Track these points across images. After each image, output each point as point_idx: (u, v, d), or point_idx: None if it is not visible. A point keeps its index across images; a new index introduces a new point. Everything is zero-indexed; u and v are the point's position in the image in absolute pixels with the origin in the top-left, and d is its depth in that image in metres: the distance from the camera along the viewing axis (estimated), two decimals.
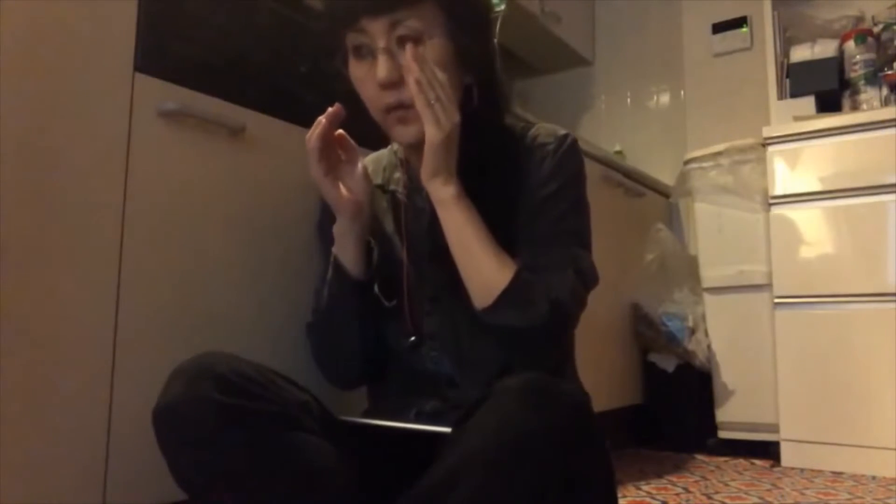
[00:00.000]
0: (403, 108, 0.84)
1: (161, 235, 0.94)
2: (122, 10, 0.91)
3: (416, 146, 0.86)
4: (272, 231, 1.09)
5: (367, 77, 0.85)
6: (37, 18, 0.82)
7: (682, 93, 2.84)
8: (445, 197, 0.84)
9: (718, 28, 2.74)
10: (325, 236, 1.01)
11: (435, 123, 0.81)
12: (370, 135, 0.95)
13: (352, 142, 0.94)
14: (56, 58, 0.84)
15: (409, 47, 0.81)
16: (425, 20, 0.82)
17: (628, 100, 2.97)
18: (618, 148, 2.79)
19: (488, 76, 0.91)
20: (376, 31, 0.82)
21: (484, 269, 0.83)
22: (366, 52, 0.85)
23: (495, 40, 0.92)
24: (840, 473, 1.90)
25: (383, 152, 1.05)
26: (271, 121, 1.09)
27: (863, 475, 1.87)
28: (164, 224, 0.95)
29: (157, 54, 0.95)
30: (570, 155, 0.91)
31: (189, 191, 0.98)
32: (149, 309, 0.92)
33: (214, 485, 0.74)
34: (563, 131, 0.93)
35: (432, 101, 0.80)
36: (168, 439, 0.74)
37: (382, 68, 0.82)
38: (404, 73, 0.82)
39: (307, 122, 1.11)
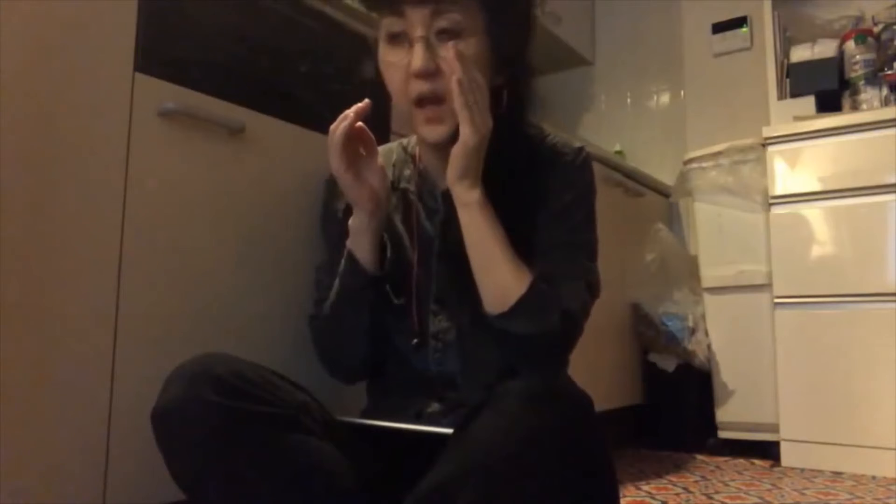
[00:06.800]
0: (435, 103, 0.83)
1: (161, 235, 0.94)
2: (122, 10, 0.91)
3: (440, 147, 0.86)
4: (271, 230, 1.09)
5: (400, 64, 0.84)
6: (37, 18, 0.82)
7: (682, 93, 2.84)
8: (471, 201, 0.83)
9: (718, 28, 2.74)
10: (328, 223, 1.01)
11: (472, 125, 0.79)
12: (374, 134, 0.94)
13: (371, 134, 0.90)
14: (56, 58, 0.84)
15: (451, 45, 0.80)
16: (467, 15, 0.81)
17: (628, 100, 2.97)
18: (618, 148, 2.79)
19: (521, 80, 0.90)
20: (417, 19, 0.81)
21: (502, 276, 0.82)
22: (402, 39, 0.83)
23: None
24: (840, 473, 1.89)
25: (392, 146, 1.03)
26: (271, 121, 1.09)
27: (863, 475, 1.87)
28: (163, 223, 0.95)
29: (157, 54, 0.95)
30: (586, 169, 0.93)
31: (189, 190, 0.98)
32: (149, 309, 0.92)
33: (214, 486, 0.74)
34: (578, 144, 0.94)
35: (471, 104, 0.78)
36: (167, 441, 0.74)
37: (419, 57, 0.81)
38: (445, 69, 0.80)
39: (307, 122, 1.12)
